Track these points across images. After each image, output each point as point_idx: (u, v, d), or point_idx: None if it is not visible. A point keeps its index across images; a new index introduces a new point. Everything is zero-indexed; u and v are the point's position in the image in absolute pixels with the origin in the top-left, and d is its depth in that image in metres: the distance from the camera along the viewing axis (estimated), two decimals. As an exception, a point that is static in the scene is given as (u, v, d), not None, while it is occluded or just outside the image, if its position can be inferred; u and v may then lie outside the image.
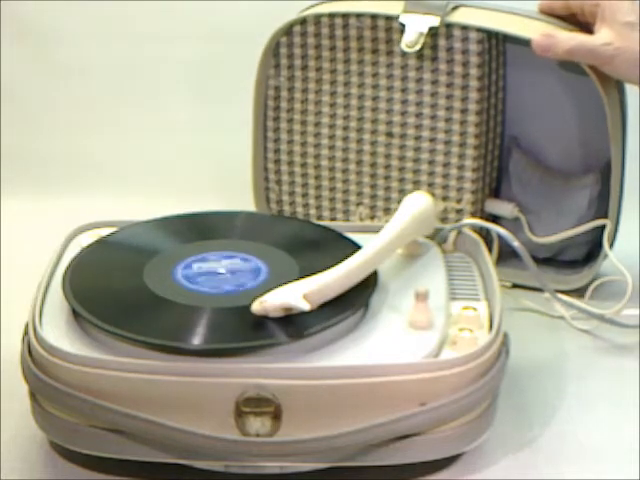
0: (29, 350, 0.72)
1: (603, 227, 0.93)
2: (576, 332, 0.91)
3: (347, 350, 0.71)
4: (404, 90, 0.96)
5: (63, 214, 1.08)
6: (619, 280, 0.91)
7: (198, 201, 1.06)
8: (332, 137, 1.00)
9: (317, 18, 0.97)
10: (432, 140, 0.97)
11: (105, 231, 0.85)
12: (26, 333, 0.73)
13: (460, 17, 0.93)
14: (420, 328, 0.73)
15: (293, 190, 1.03)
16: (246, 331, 0.70)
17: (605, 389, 0.83)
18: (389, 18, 0.94)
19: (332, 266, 0.74)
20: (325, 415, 0.68)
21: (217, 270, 0.77)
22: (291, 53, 0.99)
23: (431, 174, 0.98)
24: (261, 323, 0.70)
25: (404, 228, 0.80)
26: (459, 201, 0.97)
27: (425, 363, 0.70)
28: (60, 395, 0.69)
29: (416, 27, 0.93)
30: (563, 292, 0.91)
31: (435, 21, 0.92)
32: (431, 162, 0.98)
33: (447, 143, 0.96)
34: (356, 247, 0.79)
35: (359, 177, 1.01)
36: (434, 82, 0.95)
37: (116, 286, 0.76)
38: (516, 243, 0.84)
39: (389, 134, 0.98)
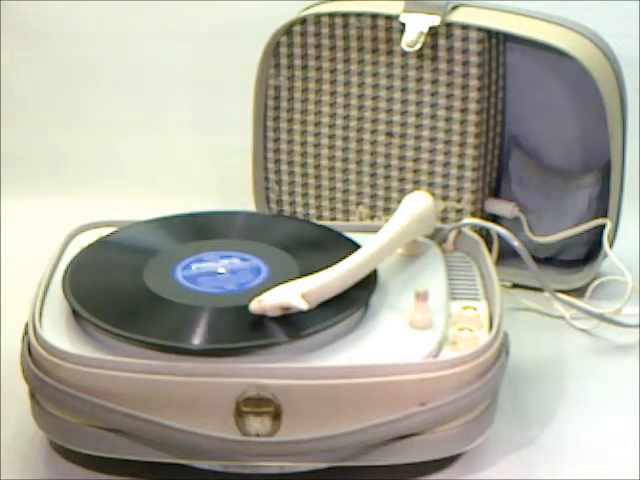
0: (29, 350, 0.72)
1: (603, 227, 0.93)
2: (576, 332, 0.91)
3: (347, 350, 0.71)
4: (404, 90, 0.96)
5: (63, 214, 1.07)
6: (619, 280, 0.91)
7: (198, 201, 1.06)
8: (332, 137, 1.00)
9: (317, 18, 0.97)
10: (432, 140, 0.97)
11: (105, 231, 0.85)
12: (26, 333, 0.73)
13: (460, 16, 0.93)
14: (420, 328, 0.73)
15: (293, 190, 1.03)
16: (246, 331, 0.70)
17: (605, 389, 0.83)
18: (389, 17, 0.94)
19: (332, 266, 0.74)
20: (325, 415, 0.68)
21: (217, 270, 0.77)
22: (291, 53, 0.99)
23: (431, 174, 0.98)
24: (261, 323, 0.70)
25: (404, 228, 0.80)
26: (459, 201, 0.97)
27: (425, 363, 0.70)
28: (60, 395, 0.69)
29: (416, 26, 0.92)
30: (563, 292, 0.91)
31: (435, 20, 0.92)
32: (431, 162, 0.97)
33: (447, 143, 0.96)
34: (356, 247, 0.79)
35: (359, 177, 1.01)
36: (434, 82, 0.95)
37: (116, 286, 0.76)
38: (516, 243, 0.84)
39: (389, 134, 0.98)
